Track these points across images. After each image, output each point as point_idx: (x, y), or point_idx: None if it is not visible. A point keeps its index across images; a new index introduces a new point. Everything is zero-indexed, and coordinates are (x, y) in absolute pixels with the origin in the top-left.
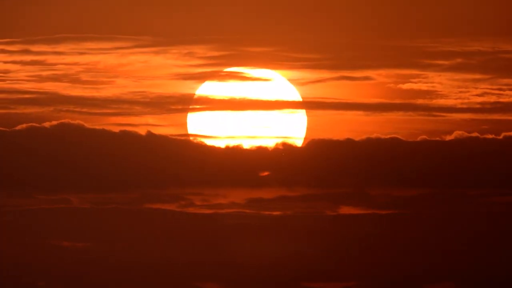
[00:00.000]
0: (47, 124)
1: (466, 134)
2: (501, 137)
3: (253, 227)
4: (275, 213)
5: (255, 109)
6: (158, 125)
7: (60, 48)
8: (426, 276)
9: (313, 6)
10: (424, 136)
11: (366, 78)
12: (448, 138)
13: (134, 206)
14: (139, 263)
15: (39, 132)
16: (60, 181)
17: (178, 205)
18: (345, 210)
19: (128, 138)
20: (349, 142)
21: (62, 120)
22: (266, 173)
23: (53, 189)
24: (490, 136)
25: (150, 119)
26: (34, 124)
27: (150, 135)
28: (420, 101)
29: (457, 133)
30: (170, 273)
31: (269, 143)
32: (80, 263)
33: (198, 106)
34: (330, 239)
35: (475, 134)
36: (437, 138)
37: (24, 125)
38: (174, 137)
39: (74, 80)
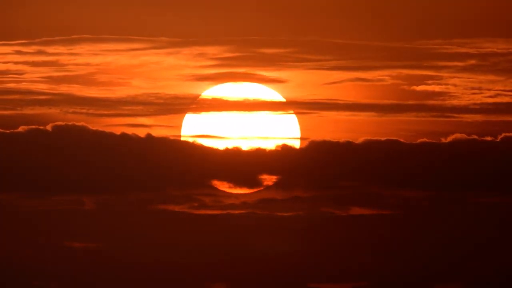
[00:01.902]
0: (49, 126)
1: (465, 136)
2: (499, 139)
3: (264, 227)
4: (287, 214)
5: (267, 110)
6: (169, 126)
7: (76, 49)
8: (435, 276)
9: (327, 7)
10: (424, 139)
11: (380, 79)
12: (448, 140)
13: (145, 207)
14: (151, 264)
15: (40, 134)
16: (72, 182)
17: (189, 206)
18: (357, 211)
19: (139, 140)
20: (364, 143)
21: (68, 122)
22: (277, 176)
23: (65, 190)
24: (489, 139)
25: (160, 120)
26: (36, 126)
27: (161, 136)
28: (432, 103)
29: (456, 135)
30: (181, 273)
31: (281, 144)
32: (92, 264)
33: (207, 107)
34: (340, 239)
35: (473, 137)
36: (435, 140)
37: (26, 127)
38: (185, 138)
39: (86, 81)
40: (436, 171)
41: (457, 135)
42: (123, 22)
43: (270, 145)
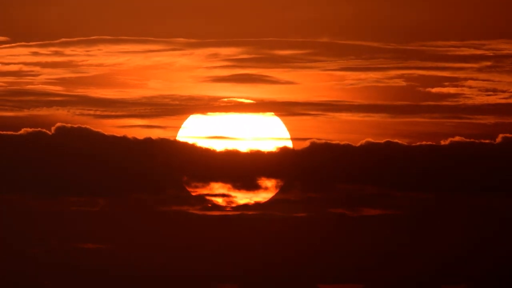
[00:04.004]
0: (52, 129)
1: (464, 139)
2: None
3: (276, 228)
4: (299, 214)
5: (280, 112)
6: (178, 127)
7: (93, 50)
8: (442, 277)
9: (341, 9)
10: (424, 141)
11: (396, 81)
12: (448, 141)
13: (158, 208)
14: (163, 264)
15: (41, 136)
16: (83, 183)
17: (202, 207)
18: (368, 211)
19: (149, 141)
20: (369, 145)
21: (73, 125)
22: (289, 177)
23: (76, 192)
24: (486, 141)
25: (171, 121)
26: (39, 128)
27: (172, 138)
28: (446, 104)
29: (457, 138)
30: (192, 274)
31: (295, 145)
32: (103, 265)
33: (223, 109)
34: (348, 240)
35: (471, 139)
36: (435, 143)
37: (28, 129)
38: (197, 139)
39: (100, 83)
40: (437, 173)
41: (458, 137)
42: (142, 23)
43: (276, 147)
